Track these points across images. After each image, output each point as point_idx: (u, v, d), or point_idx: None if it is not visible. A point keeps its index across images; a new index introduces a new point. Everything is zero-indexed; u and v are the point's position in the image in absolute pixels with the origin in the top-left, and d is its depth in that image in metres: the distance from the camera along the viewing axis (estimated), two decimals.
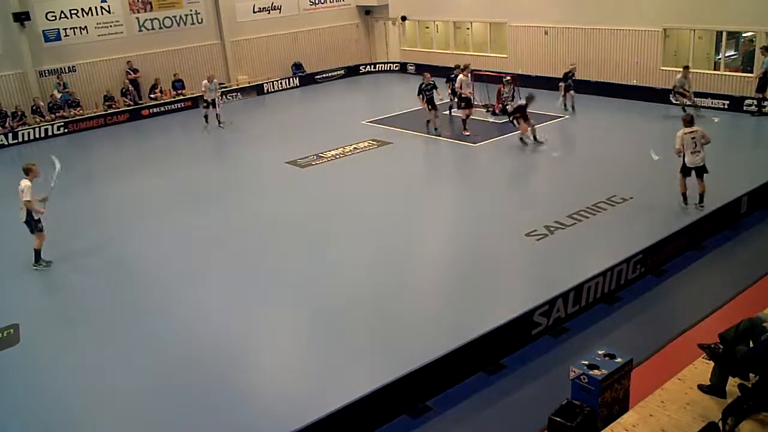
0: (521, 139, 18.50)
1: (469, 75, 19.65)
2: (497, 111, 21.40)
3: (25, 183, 12.38)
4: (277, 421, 7.67)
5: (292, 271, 11.96)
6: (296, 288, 11.37)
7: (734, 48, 21.57)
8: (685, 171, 12.86)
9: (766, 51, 18.70)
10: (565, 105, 21.44)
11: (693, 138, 12.55)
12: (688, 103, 19.24)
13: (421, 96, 19.95)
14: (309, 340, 9.98)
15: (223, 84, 28.42)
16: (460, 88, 19.50)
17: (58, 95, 24.90)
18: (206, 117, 22.94)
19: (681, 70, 19.39)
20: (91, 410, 8.63)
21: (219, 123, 22.91)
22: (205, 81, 22.72)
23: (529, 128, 18.31)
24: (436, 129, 19.99)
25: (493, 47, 27.85)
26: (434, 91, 19.87)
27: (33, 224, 12.58)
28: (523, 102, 18.64)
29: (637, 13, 22.26)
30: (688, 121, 12.78)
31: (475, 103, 19.92)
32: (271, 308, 10.85)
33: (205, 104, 22.98)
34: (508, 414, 7.91)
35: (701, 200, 12.88)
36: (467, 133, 19.35)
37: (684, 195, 13.05)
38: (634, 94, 22.00)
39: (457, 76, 20.60)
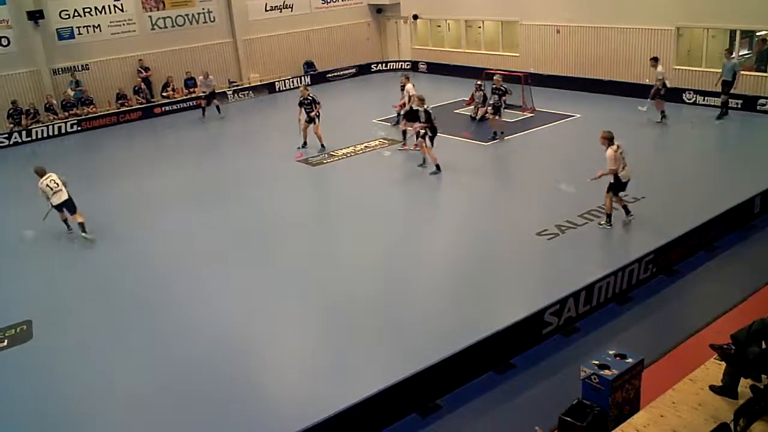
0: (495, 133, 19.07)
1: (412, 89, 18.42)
2: (473, 116, 21.41)
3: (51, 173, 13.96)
4: (286, 420, 7.67)
5: (302, 270, 11.99)
6: (306, 287, 11.40)
7: (748, 47, 21.40)
8: (619, 188, 12.33)
9: (729, 54, 18.35)
10: (496, 133, 19.07)
11: (621, 153, 12.12)
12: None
13: (301, 110, 18.92)
14: (318, 340, 9.99)
15: (235, 82, 28.58)
16: (409, 101, 18.15)
17: (72, 93, 25.05)
18: (203, 110, 24.62)
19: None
20: (99, 409, 8.68)
21: (209, 113, 24.62)
22: (201, 77, 24.64)
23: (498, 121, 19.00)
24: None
25: (504, 46, 27.79)
26: (313, 105, 18.68)
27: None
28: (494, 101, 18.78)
29: (650, 11, 22.14)
30: (612, 138, 12.16)
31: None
32: (281, 307, 10.87)
33: (204, 98, 24.60)
34: (518, 413, 7.89)
35: (629, 211, 12.63)
36: (406, 148, 18.36)
37: (610, 216, 12.55)
38: (647, 94, 21.85)
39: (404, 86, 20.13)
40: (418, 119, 16.73)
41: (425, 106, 16.48)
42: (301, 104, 18.90)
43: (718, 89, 19.07)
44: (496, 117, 18.95)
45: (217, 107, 24.60)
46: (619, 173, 12.16)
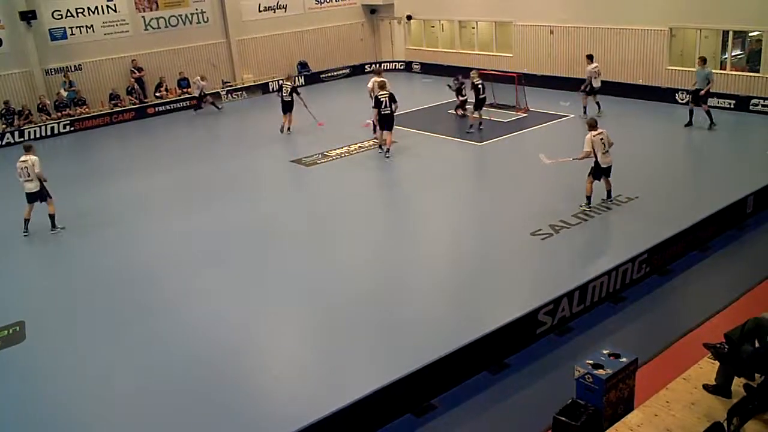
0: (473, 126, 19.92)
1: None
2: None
3: (33, 158, 14.11)
4: (281, 420, 7.67)
5: (296, 271, 11.97)
6: (300, 287, 11.37)
7: (740, 47, 21.50)
8: (598, 173, 13.23)
9: (703, 62, 18.18)
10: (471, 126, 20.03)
11: (602, 140, 12.94)
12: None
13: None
14: (313, 340, 9.98)
15: (228, 82, 28.54)
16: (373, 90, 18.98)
17: (65, 94, 24.96)
18: (213, 104, 25.97)
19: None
20: (94, 411, 8.63)
21: (208, 107, 25.97)
22: (197, 78, 25.84)
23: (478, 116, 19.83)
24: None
25: (498, 46, 27.83)
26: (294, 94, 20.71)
27: (46, 193, 14.30)
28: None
29: (643, 12, 22.20)
30: (594, 124, 13.07)
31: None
32: (275, 308, 10.85)
33: (208, 97, 25.97)
34: (513, 413, 7.90)
35: (610, 196, 13.58)
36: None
37: (589, 198, 13.40)
38: (640, 94, 21.95)
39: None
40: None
41: (382, 93, 17.79)
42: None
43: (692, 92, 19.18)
44: (460, 111, 20.44)
45: (213, 104, 25.78)
46: (598, 158, 12.96)
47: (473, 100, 19.61)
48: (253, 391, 8.79)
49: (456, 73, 22.57)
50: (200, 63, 27.96)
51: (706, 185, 14.53)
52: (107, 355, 9.81)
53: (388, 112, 17.60)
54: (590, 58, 20.31)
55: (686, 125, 18.53)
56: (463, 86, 21.14)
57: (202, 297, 11.26)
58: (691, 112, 18.54)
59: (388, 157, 17.78)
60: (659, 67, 22.30)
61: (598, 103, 20.18)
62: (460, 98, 21.31)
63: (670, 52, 22.18)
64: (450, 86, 21.48)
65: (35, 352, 10.05)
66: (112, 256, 13.21)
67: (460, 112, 21.57)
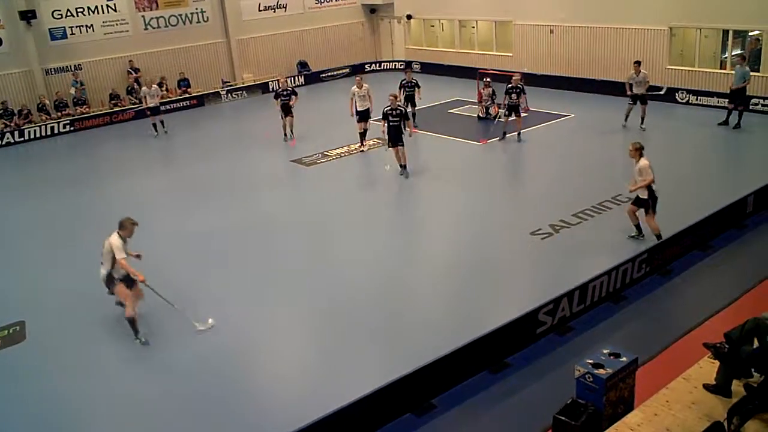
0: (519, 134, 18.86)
1: (363, 87, 18.43)
2: (481, 115, 21.27)
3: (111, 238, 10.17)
4: (282, 419, 7.66)
5: (296, 271, 11.96)
6: (301, 287, 11.37)
7: (740, 47, 21.49)
8: (656, 202, 11.47)
9: (743, 60, 17.97)
10: (505, 134, 18.80)
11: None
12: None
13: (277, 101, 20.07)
14: (314, 340, 9.98)
15: (228, 82, 28.53)
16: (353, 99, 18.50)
17: (73, 91, 25.00)
18: (154, 125, 22.54)
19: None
20: (93, 411, 8.64)
21: (159, 129, 22.65)
22: (144, 87, 22.82)
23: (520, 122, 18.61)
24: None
25: (498, 46, 27.84)
26: (291, 96, 19.91)
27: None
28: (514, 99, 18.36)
29: (643, 11, 22.20)
30: (643, 148, 11.45)
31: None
32: (276, 308, 10.84)
33: (148, 111, 22.46)
34: (513, 413, 7.90)
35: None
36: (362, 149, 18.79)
37: (638, 225, 11.89)
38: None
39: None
40: (366, 118, 18.20)
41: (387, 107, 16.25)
42: (277, 95, 19.99)
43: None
44: (513, 116, 18.53)
45: (161, 122, 22.72)
46: (654, 186, 11.31)
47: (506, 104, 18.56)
48: (254, 390, 8.79)
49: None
50: (200, 63, 28.01)
51: (706, 184, 14.53)
52: (108, 354, 9.81)
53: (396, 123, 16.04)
54: (638, 64, 18.52)
55: (734, 127, 18.07)
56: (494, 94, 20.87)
57: (202, 296, 11.24)
58: (737, 113, 18.06)
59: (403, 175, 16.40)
60: (659, 66, 22.28)
61: (638, 115, 18.57)
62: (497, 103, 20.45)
63: (670, 52, 22.18)
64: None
65: (35, 351, 10.05)
66: None
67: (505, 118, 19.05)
